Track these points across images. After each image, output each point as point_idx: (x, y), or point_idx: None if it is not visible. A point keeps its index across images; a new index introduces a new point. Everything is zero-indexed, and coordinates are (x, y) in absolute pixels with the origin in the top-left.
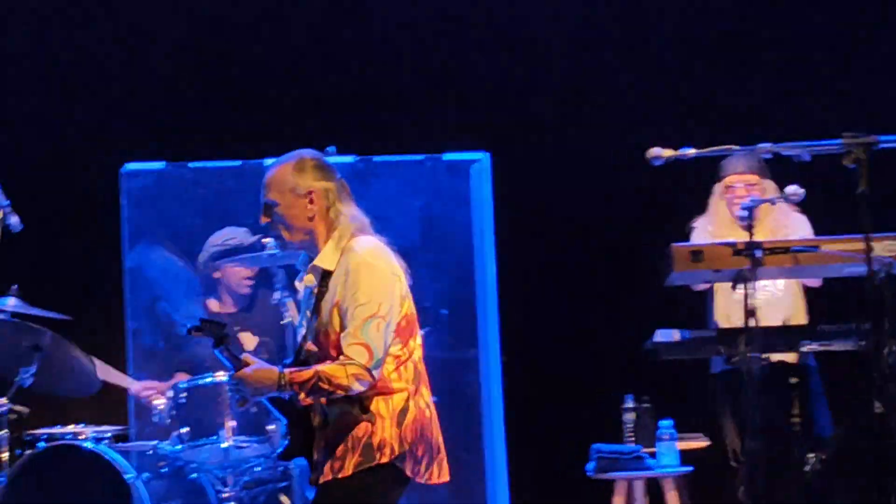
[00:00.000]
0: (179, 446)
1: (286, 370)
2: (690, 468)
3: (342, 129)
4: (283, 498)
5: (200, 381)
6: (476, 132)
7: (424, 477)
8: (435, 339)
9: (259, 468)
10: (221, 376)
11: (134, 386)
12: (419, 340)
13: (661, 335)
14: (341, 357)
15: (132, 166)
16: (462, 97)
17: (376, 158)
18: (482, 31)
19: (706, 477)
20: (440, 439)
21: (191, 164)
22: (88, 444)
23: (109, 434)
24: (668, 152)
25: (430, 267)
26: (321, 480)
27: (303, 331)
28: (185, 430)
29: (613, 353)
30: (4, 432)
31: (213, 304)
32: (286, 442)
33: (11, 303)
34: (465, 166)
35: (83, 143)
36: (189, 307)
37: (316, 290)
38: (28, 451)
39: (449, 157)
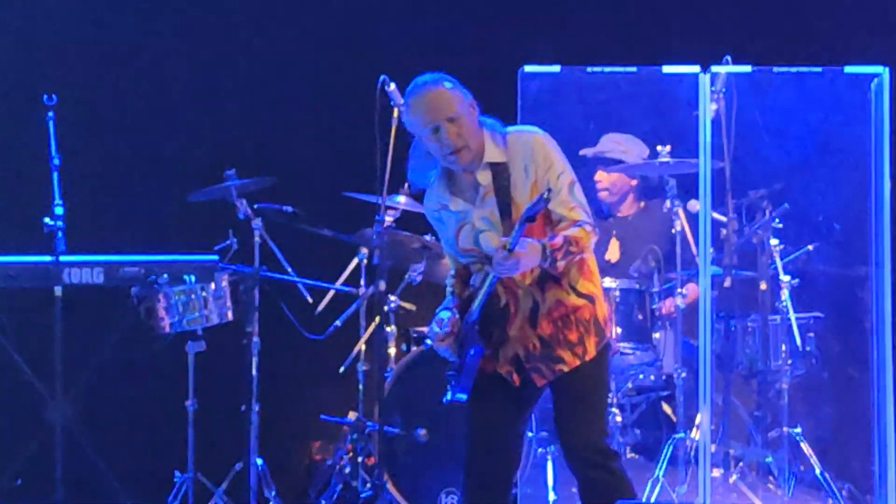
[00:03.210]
0: None
1: (545, 241)
2: None
3: (740, 37)
4: (666, 406)
5: None
6: (877, 45)
7: None
8: (825, 254)
9: (642, 376)
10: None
11: None
12: None
13: None
14: (563, 224)
15: (529, 69)
16: (863, 9)
17: (775, 69)
18: None
19: None
20: None
21: (588, 69)
22: None
23: None
24: None
25: (824, 181)
26: (567, 370)
27: (486, 232)
28: None
29: None
30: (392, 328)
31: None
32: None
33: (402, 200)
34: (866, 80)
35: (482, 44)
36: None
37: (493, 187)
38: (415, 348)
39: (850, 70)
